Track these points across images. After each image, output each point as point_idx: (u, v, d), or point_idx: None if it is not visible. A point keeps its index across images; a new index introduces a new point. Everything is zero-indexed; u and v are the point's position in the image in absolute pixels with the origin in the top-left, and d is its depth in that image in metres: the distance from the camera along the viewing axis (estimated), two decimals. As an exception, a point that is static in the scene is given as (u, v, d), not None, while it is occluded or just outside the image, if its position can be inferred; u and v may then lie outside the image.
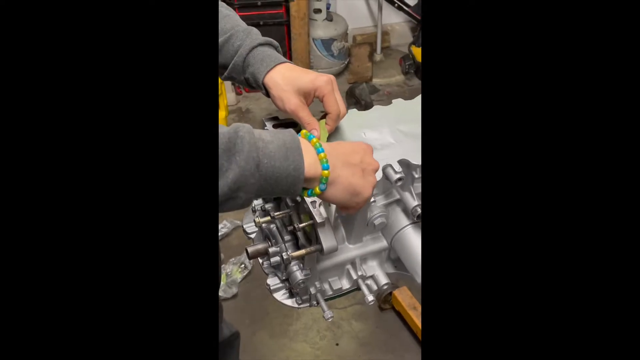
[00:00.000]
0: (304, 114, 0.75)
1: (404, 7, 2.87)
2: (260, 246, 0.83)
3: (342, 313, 1.77)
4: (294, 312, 1.75)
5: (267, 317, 1.75)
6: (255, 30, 0.79)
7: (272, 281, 0.88)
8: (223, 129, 0.54)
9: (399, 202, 0.82)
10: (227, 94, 2.73)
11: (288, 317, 1.75)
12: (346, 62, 3.03)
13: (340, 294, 0.87)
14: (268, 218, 0.84)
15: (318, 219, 0.70)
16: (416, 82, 3.00)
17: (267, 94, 0.78)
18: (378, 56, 3.13)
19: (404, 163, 0.76)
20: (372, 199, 0.77)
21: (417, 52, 2.95)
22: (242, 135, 0.54)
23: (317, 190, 0.62)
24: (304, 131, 0.64)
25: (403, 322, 1.71)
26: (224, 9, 0.81)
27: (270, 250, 0.83)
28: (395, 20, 3.23)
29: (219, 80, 1.02)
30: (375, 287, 0.85)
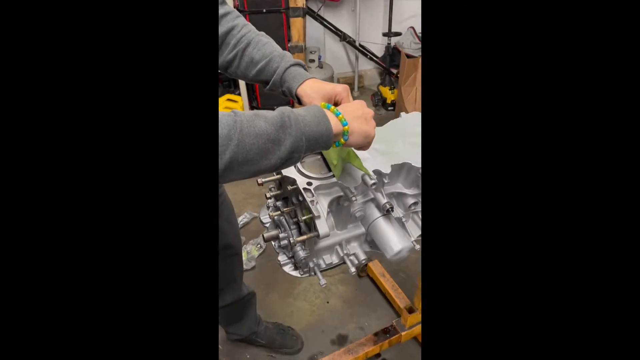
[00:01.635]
0: None
1: (374, 58, 2.93)
2: (273, 233, 0.84)
3: (331, 279, 1.77)
4: (296, 280, 1.76)
5: (277, 283, 1.76)
6: (288, 54, 0.78)
7: (282, 258, 0.88)
8: (271, 112, 0.56)
9: (373, 200, 0.82)
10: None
11: (292, 283, 1.76)
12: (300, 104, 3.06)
13: (331, 267, 0.86)
14: (279, 212, 0.84)
15: (315, 213, 0.71)
16: (383, 112, 3.00)
17: (300, 101, 0.76)
18: (355, 93, 3.21)
19: (376, 172, 0.78)
20: (354, 198, 0.77)
21: (384, 90, 2.97)
22: (287, 114, 0.56)
23: (342, 140, 0.64)
24: (323, 103, 0.66)
25: (375, 286, 1.73)
26: (263, 38, 0.79)
27: (280, 235, 0.83)
28: (368, 67, 3.28)
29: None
30: (356, 262, 0.84)
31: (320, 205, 0.75)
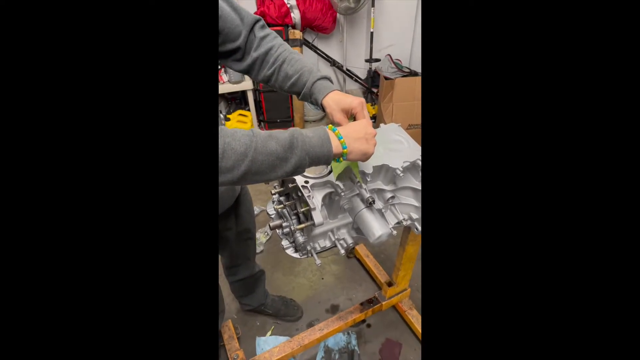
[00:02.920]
0: (343, 122, 0.72)
1: (358, 80, 2.93)
2: (277, 222, 0.84)
3: (325, 260, 1.76)
4: (296, 261, 1.74)
5: (281, 264, 1.75)
6: (314, 68, 0.76)
7: (285, 243, 0.88)
8: (283, 134, 0.56)
9: (358, 194, 0.83)
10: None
11: (293, 263, 1.75)
12: (325, 114, 3.02)
13: (325, 249, 0.87)
14: (282, 205, 0.84)
15: (312, 206, 0.72)
16: None
17: (324, 110, 0.74)
18: (344, 107, 3.17)
19: (361, 172, 0.79)
20: (342, 193, 0.76)
21: (367, 106, 2.95)
22: (296, 137, 0.56)
23: (341, 159, 0.63)
24: (330, 126, 0.64)
25: (361, 265, 1.73)
26: (296, 56, 0.76)
27: (283, 224, 0.84)
28: (354, 87, 3.24)
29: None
30: (345, 245, 0.85)
31: (315, 199, 0.75)
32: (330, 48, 2.99)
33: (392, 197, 0.89)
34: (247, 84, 2.58)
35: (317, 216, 0.72)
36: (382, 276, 1.53)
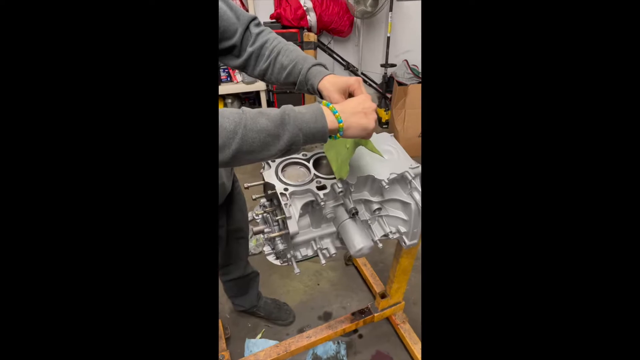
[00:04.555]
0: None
1: (372, 84, 2.88)
2: (260, 227, 0.81)
3: (323, 267, 1.73)
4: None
5: (279, 266, 1.68)
6: (310, 57, 0.73)
7: (267, 249, 0.85)
8: (274, 110, 0.54)
9: (343, 204, 0.81)
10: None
11: (290, 267, 1.73)
12: (322, 98, 2.99)
13: (306, 258, 0.83)
14: (262, 211, 0.82)
15: (287, 215, 0.70)
16: (378, 129, 2.91)
17: (321, 96, 0.70)
18: (357, 111, 3.13)
19: (343, 181, 0.76)
20: (322, 203, 0.73)
21: (380, 111, 2.90)
22: (288, 112, 0.54)
23: (338, 135, 0.59)
24: (324, 102, 0.61)
25: (358, 273, 1.69)
26: (291, 46, 0.74)
27: (265, 230, 0.81)
28: (369, 92, 3.18)
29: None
30: (327, 255, 0.81)
31: (294, 207, 0.73)
32: (347, 51, 2.96)
33: (379, 209, 0.85)
34: (260, 85, 2.59)
35: (293, 225, 0.70)
36: (377, 286, 1.49)
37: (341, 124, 0.58)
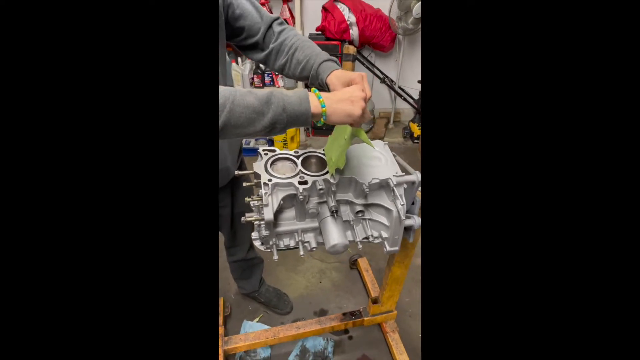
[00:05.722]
0: None
1: (407, 99, 2.86)
2: (250, 214, 0.81)
3: (328, 266, 1.75)
4: (300, 260, 1.77)
5: (287, 259, 1.80)
6: (324, 53, 0.75)
7: (254, 234, 0.86)
8: (262, 90, 0.58)
9: (326, 202, 0.83)
10: (300, 134, 2.76)
11: (297, 261, 1.78)
12: (371, 126, 3.03)
13: (288, 248, 0.85)
14: (250, 198, 0.82)
15: (264, 202, 0.73)
16: (410, 144, 2.91)
17: (329, 90, 0.72)
18: (390, 126, 3.11)
19: (326, 180, 0.80)
20: (301, 197, 0.74)
21: (413, 126, 2.89)
22: (274, 93, 0.57)
23: (322, 120, 0.61)
24: (312, 88, 0.63)
25: (360, 278, 1.70)
26: (307, 42, 0.78)
27: (246, 214, 0.81)
28: (406, 106, 3.15)
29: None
30: (308, 248, 0.82)
31: (275, 197, 0.79)
32: (387, 66, 2.98)
33: (361, 212, 0.89)
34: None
35: (268, 212, 0.74)
36: (374, 292, 1.50)
37: (324, 109, 0.60)
